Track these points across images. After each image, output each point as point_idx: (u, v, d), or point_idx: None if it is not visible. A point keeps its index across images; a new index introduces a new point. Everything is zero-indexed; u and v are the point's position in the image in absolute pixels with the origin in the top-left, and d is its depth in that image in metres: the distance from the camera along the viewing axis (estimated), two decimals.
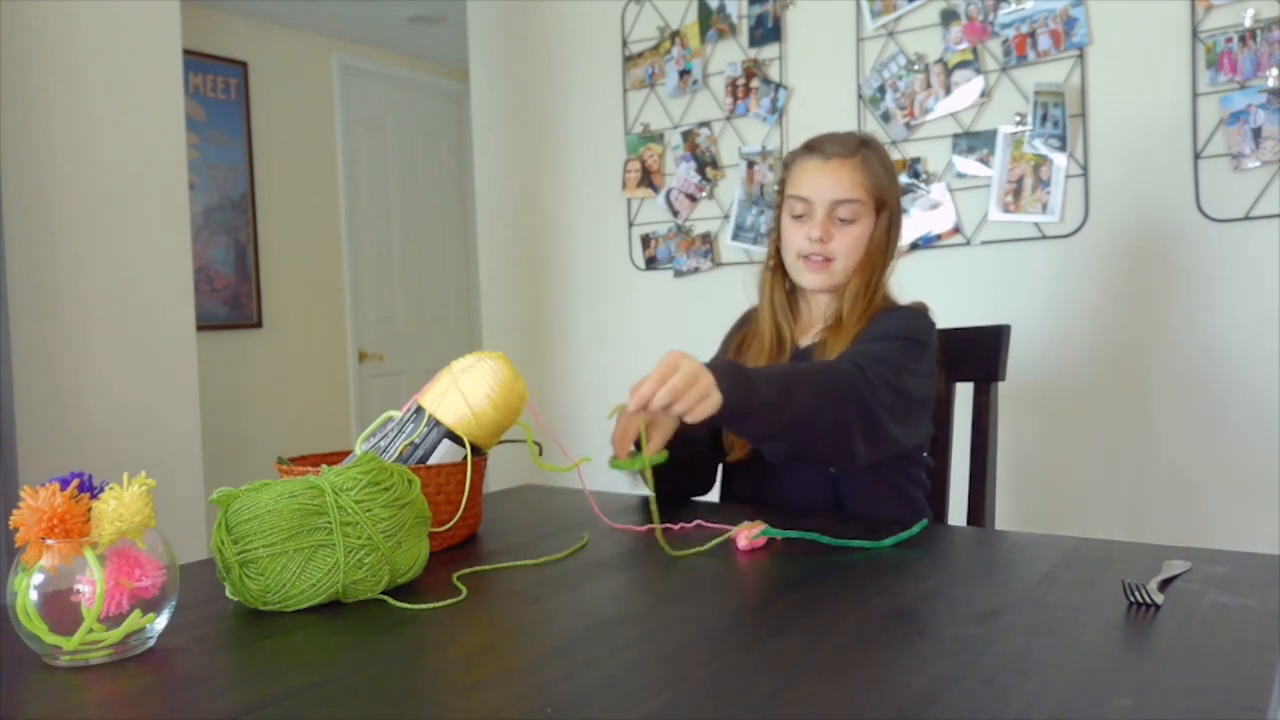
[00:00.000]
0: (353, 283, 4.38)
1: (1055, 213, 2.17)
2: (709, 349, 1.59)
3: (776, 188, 1.48)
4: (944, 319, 1.43)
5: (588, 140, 2.96)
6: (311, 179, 4.24)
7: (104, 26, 2.30)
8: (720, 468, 1.53)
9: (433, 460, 1.15)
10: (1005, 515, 2.12)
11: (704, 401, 1.07)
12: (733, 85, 2.64)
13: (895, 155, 2.36)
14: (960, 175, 2.29)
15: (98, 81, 2.29)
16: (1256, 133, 1.94)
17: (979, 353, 1.53)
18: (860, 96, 2.43)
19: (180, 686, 0.74)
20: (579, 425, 2.94)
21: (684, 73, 2.73)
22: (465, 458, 1.15)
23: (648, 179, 2.81)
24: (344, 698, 0.69)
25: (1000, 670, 0.70)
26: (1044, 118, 2.16)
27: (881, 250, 1.40)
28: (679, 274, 2.77)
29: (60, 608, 0.77)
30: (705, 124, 2.70)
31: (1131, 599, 0.85)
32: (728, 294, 2.43)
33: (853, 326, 1.36)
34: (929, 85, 2.33)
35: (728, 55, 2.66)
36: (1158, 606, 0.83)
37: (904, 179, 2.35)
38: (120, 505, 0.78)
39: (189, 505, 2.42)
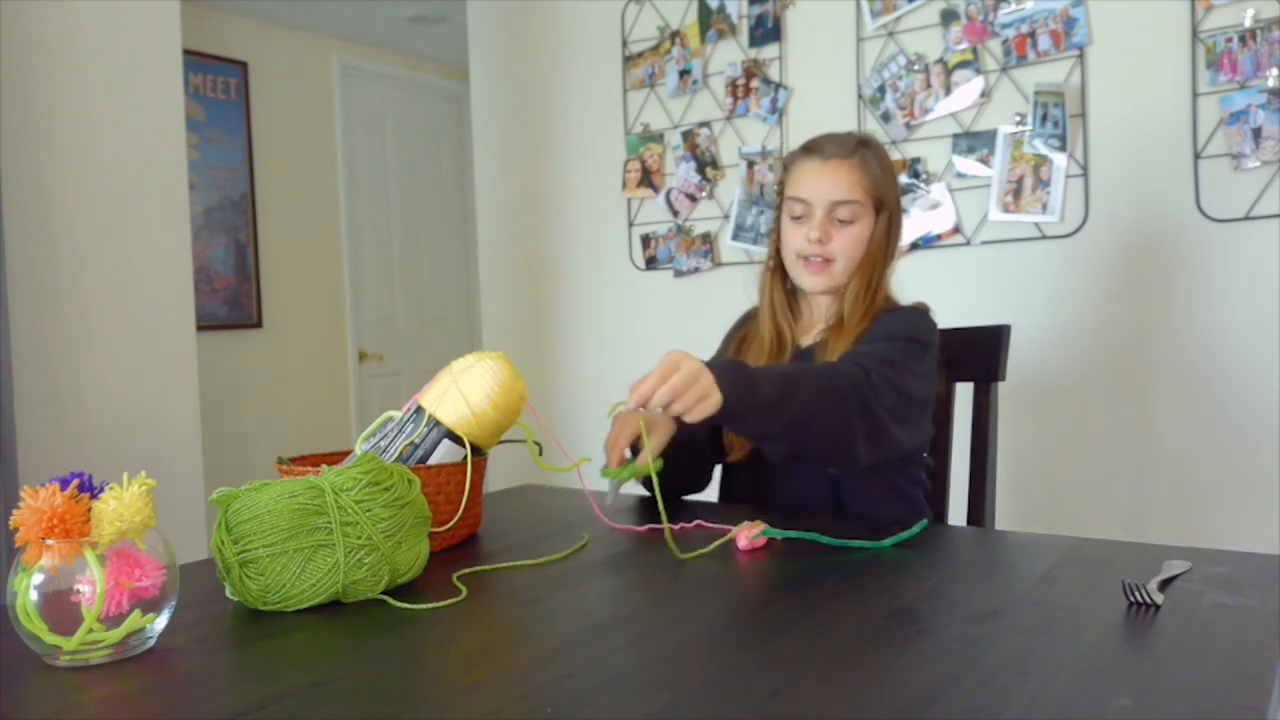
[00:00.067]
0: (353, 283, 4.38)
1: (1055, 213, 2.17)
2: (709, 349, 1.59)
3: (776, 188, 1.48)
4: (944, 319, 1.43)
5: (588, 140, 2.96)
6: (311, 179, 4.24)
7: (104, 26, 2.30)
8: (721, 467, 1.53)
9: (433, 460, 1.15)
10: (1005, 515, 2.12)
11: (704, 401, 1.07)
12: (733, 85, 2.64)
13: (895, 155, 2.36)
14: (960, 175, 2.29)
15: (98, 81, 2.29)
16: (1256, 133, 1.94)
17: (979, 353, 1.53)
18: (860, 96, 2.43)
19: (180, 686, 0.74)
20: (579, 425, 2.94)
21: (684, 73, 2.73)
22: (465, 458, 1.15)
23: (648, 179, 2.81)
24: (344, 698, 0.69)
25: (1000, 670, 0.70)
26: (1044, 118, 2.16)
27: (881, 250, 1.40)
28: (679, 274, 2.77)
29: (60, 608, 0.77)
30: (705, 124, 2.70)
31: (1131, 599, 0.85)
32: (728, 294, 2.43)
33: (854, 327, 1.36)
34: (929, 85, 2.33)
35: (728, 55, 2.66)
36: (1158, 606, 0.83)
37: (904, 179, 2.35)
38: (120, 505, 0.78)
39: (189, 505, 2.42)
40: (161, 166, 2.41)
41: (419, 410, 1.17)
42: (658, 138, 2.79)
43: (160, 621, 0.81)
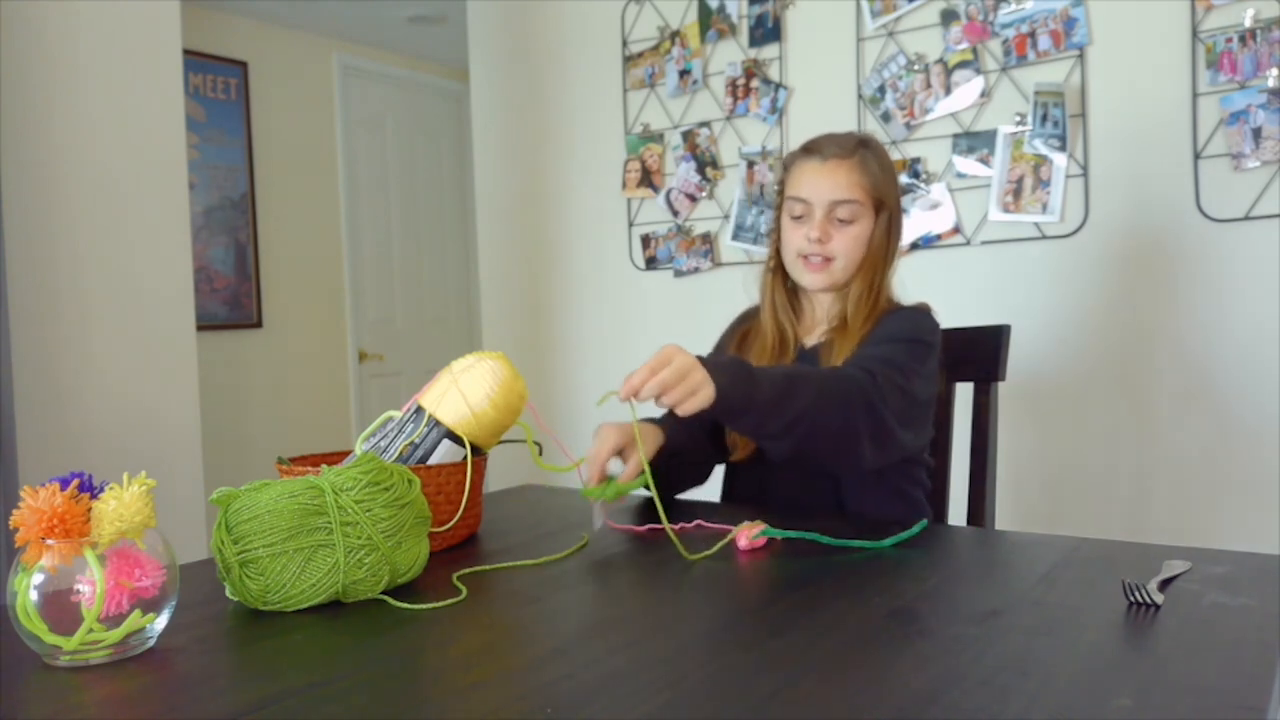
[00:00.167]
0: (353, 283, 4.38)
1: (1055, 213, 2.17)
2: (708, 349, 1.59)
3: (776, 188, 1.48)
4: (944, 319, 1.43)
5: (588, 140, 2.96)
6: (311, 179, 4.24)
7: (104, 26, 2.30)
8: (724, 467, 1.53)
9: (433, 460, 1.15)
10: (1005, 515, 2.12)
11: (693, 396, 1.08)
12: (733, 85, 2.64)
13: (895, 155, 2.36)
14: (960, 175, 2.29)
15: (98, 81, 2.29)
16: (1256, 133, 1.94)
17: (979, 353, 1.53)
18: (860, 96, 2.43)
19: (180, 686, 0.74)
20: (579, 425, 2.94)
21: (684, 73, 2.73)
22: (465, 458, 1.15)
23: (648, 179, 2.81)
24: (344, 698, 0.69)
25: (1000, 670, 0.70)
26: (1044, 118, 2.16)
27: (882, 250, 1.40)
28: (679, 274, 2.77)
29: (60, 608, 0.77)
30: (705, 124, 2.70)
31: (1131, 599, 0.85)
32: (728, 294, 2.43)
33: (859, 329, 1.37)
34: (929, 85, 2.33)
35: (728, 55, 2.66)
36: (1158, 606, 0.83)
37: (904, 179, 2.35)
38: (120, 505, 0.78)
39: (189, 505, 2.42)
40: (161, 166, 2.41)
41: (419, 410, 1.17)
42: (658, 138, 2.79)
43: (160, 621, 0.81)
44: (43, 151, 2.20)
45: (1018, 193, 2.21)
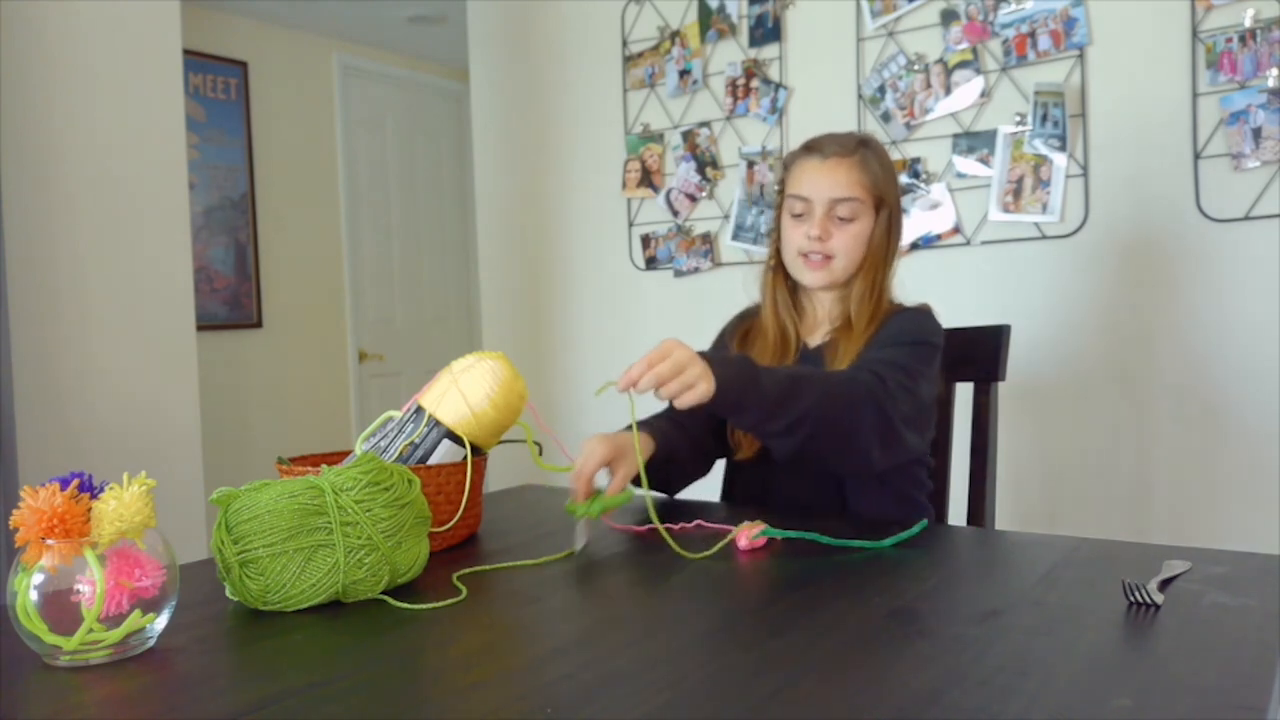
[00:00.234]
0: (353, 283, 4.38)
1: (1055, 213, 2.17)
2: (708, 348, 1.59)
3: (776, 187, 1.48)
4: (944, 319, 1.43)
5: (588, 140, 2.96)
6: (311, 179, 4.24)
7: (104, 26, 2.30)
8: (726, 467, 1.53)
9: (433, 460, 1.15)
10: (1005, 515, 2.12)
11: (691, 390, 1.09)
12: (733, 85, 2.64)
13: (895, 155, 2.36)
14: (960, 175, 2.29)
15: (98, 81, 2.29)
16: (1256, 133, 1.94)
17: (979, 353, 1.53)
18: (860, 96, 2.43)
19: (180, 686, 0.74)
20: (579, 425, 2.93)
21: (684, 73, 2.72)
22: (465, 458, 1.15)
23: (648, 179, 2.81)
24: (344, 698, 0.69)
25: (1000, 670, 0.70)
26: (1044, 118, 2.16)
27: (882, 249, 1.40)
28: (679, 274, 2.77)
29: (60, 608, 0.77)
30: (705, 124, 2.70)
31: (1131, 599, 0.85)
32: (728, 294, 2.43)
33: (863, 329, 1.37)
34: (929, 85, 2.33)
35: (728, 55, 2.66)
36: (1158, 606, 0.83)
37: (904, 179, 2.35)
38: (120, 505, 0.78)
39: (189, 505, 2.42)
40: (161, 166, 2.41)
41: (419, 410, 1.17)
42: (658, 138, 2.79)
43: (160, 621, 0.81)
44: (43, 151, 2.20)
45: (1018, 193, 2.21)
